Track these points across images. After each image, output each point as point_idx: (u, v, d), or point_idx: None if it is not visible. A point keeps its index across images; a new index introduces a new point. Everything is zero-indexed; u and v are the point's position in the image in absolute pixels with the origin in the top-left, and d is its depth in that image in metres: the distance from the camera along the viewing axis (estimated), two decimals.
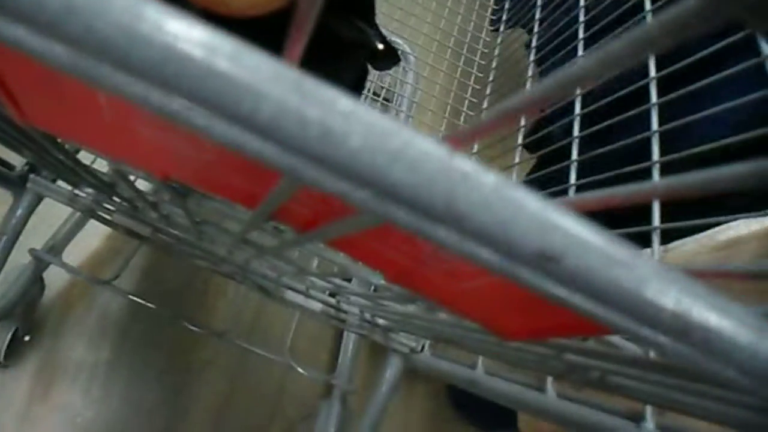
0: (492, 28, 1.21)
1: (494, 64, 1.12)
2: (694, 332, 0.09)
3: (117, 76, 0.08)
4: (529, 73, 0.97)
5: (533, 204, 0.09)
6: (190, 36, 0.08)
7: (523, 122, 0.89)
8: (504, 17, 1.16)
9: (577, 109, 0.76)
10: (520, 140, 0.88)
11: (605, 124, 0.71)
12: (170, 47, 0.08)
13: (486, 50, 1.19)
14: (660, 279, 0.09)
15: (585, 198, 0.16)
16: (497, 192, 0.09)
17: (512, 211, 0.09)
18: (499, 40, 1.15)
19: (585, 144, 0.73)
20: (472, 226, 0.09)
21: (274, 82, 0.08)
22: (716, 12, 0.07)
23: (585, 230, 0.09)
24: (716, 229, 0.54)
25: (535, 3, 1.04)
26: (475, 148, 0.95)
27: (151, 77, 0.08)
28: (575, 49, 0.86)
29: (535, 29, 1.01)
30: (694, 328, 0.09)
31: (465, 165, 0.08)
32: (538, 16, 1.01)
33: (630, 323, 0.10)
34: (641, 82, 0.67)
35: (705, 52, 0.61)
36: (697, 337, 0.09)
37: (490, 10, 1.28)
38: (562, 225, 0.09)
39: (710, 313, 0.09)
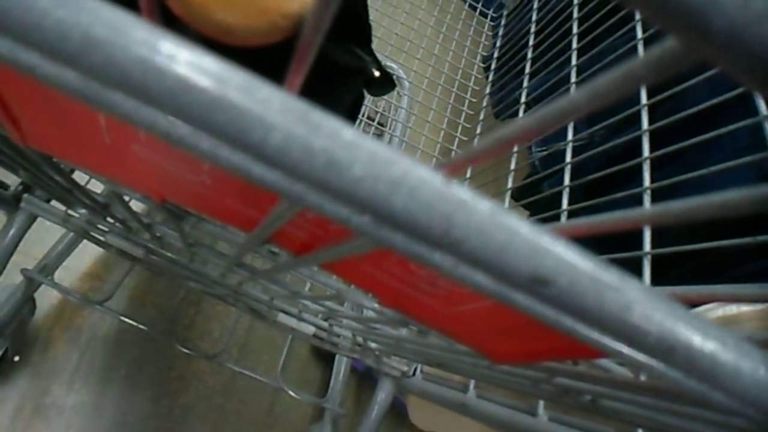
0: (484, 65, 1.22)
1: (487, 90, 1.14)
2: (678, 353, 0.10)
3: (130, 104, 0.08)
4: (522, 99, 0.98)
5: (526, 230, 0.09)
6: (203, 68, 0.08)
7: (515, 147, 0.90)
8: (496, 54, 1.17)
9: (568, 158, 0.77)
10: (513, 165, 0.89)
11: (594, 176, 0.71)
12: (185, 79, 0.08)
13: (479, 76, 1.20)
14: (647, 302, 0.10)
15: (576, 224, 0.16)
16: (492, 218, 0.09)
17: (507, 236, 0.09)
18: (493, 66, 1.17)
19: (573, 195, 0.74)
20: (468, 250, 0.09)
21: (282, 113, 0.08)
22: (694, 56, 0.07)
23: (575, 255, 0.09)
24: (706, 306, 0.54)
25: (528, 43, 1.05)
26: (468, 173, 0.95)
27: (166, 107, 0.08)
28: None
29: (527, 69, 1.02)
30: (678, 349, 0.10)
31: (461, 192, 0.09)
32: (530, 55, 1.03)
33: (618, 345, 0.10)
34: (633, 134, 0.68)
35: (700, 107, 0.62)
36: (681, 357, 0.10)
37: (484, 35, 1.30)
38: (553, 250, 0.09)
39: (693, 335, 0.10)
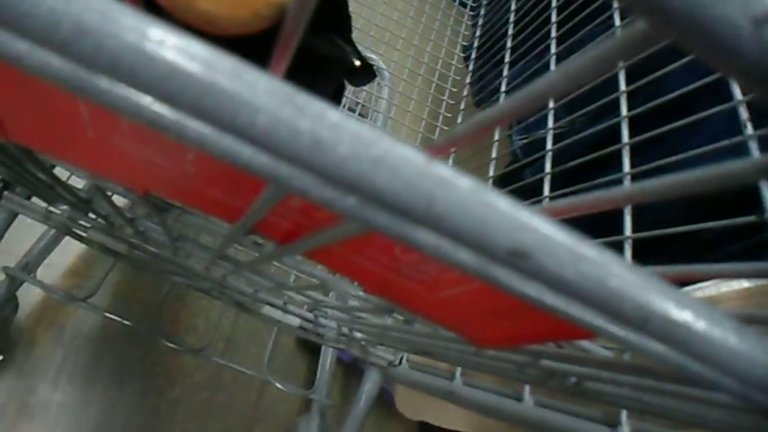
0: (464, 55, 1.23)
1: (468, 80, 1.14)
2: (653, 323, 0.10)
3: (118, 92, 0.08)
4: (503, 87, 0.99)
5: (505, 205, 0.09)
6: (191, 53, 0.08)
7: (497, 136, 0.90)
8: (475, 44, 1.18)
9: (549, 145, 0.77)
10: (494, 154, 0.89)
11: (575, 163, 0.72)
12: (174, 64, 0.08)
13: (459, 65, 1.20)
14: (623, 273, 0.10)
15: (557, 205, 0.16)
16: (472, 194, 0.09)
17: (486, 211, 0.09)
18: (473, 56, 1.17)
19: (555, 182, 0.74)
20: (449, 226, 0.09)
21: (268, 96, 0.09)
22: (661, 36, 0.08)
23: (553, 229, 0.10)
24: (686, 289, 0.55)
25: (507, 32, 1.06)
26: (450, 161, 0.96)
27: (156, 92, 0.08)
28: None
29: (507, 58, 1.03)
30: (653, 319, 0.10)
31: (442, 170, 0.09)
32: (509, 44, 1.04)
33: (596, 317, 0.11)
34: (612, 121, 0.69)
35: (678, 92, 0.63)
36: (656, 327, 0.10)
37: (463, 25, 1.30)
38: (531, 224, 0.10)
39: (668, 304, 0.10)
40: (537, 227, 0.10)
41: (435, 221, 0.09)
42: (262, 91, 0.09)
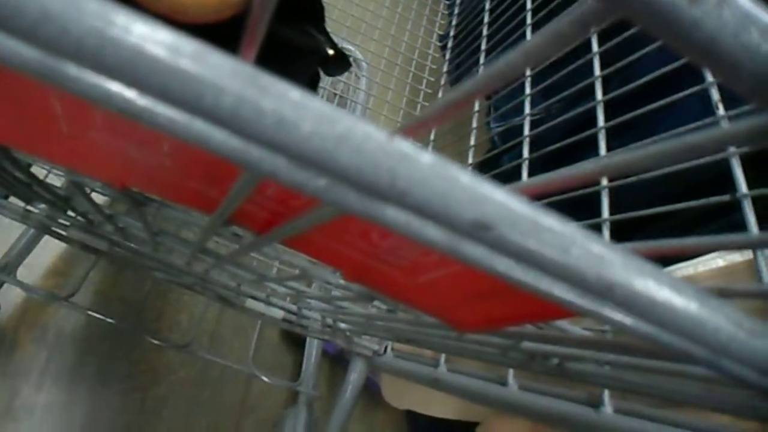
0: (440, 44, 1.23)
1: (445, 68, 1.14)
2: (616, 291, 0.11)
3: (85, 77, 0.09)
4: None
5: (466, 179, 0.10)
6: (155, 38, 0.08)
7: (475, 124, 0.91)
8: (452, 33, 1.18)
9: (526, 131, 0.78)
10: (473, 141, 0.90)
11: (552, 147, 0.72)
12: (138, 49, 0.08)
13: (437, 54, 1.21)
14: (584, 242, 0.10)
15: (530, 182, 0.17)
16: (434, 169, 0.10)
17: (448, 185, 0.10)
18: (449, 44, 1.17)
19: (533, 168, 0.75)
20: (412, 201, 0.10)
21: (232, 77, 0.09)
22: (610, 12, 0.08)
23: (514, 201, 0.10)
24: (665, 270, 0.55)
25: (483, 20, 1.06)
26: (430, 150, 0.96)
27: (121, 76, 0.09)
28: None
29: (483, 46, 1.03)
30: (616, 288, 0.11)
31: (404, 146, 0.09)
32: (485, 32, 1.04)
33: (565, 291, 0.11)
34: (588, 105, 0.69)
35: (653, 75, 0.63)
36: (619, 296, 0.11)
37: (439, 14, 1.30)
38: (493, 196, 0.10)
39: (630, 272, 0.11)
40: (498, 199, 0.10)
41: (399, 196, 0.10)
42: (226, 73, 0.09)
